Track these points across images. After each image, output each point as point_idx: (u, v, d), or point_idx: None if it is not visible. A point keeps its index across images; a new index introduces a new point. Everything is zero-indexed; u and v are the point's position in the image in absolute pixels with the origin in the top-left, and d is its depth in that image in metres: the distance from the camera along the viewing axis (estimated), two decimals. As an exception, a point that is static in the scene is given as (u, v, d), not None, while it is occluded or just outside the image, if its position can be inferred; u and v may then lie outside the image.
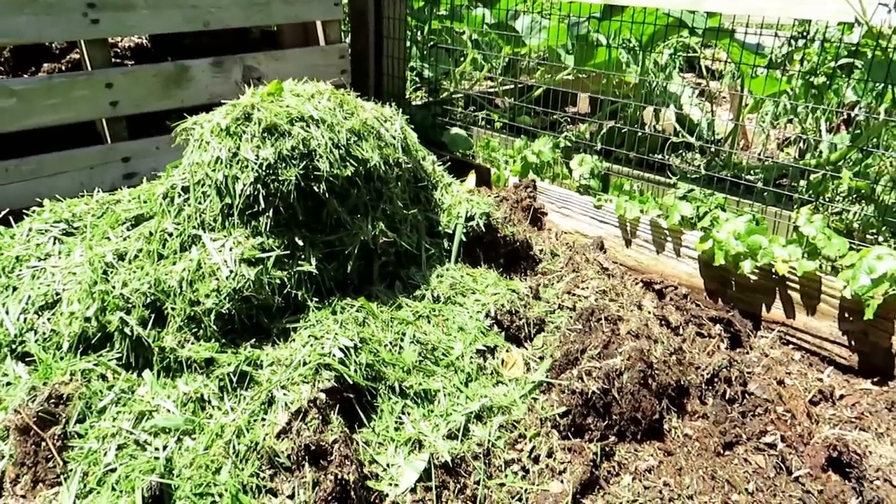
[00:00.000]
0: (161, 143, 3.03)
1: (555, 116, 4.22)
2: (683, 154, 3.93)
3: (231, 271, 1.69)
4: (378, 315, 1.88)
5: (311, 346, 1.73)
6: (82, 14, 2.71)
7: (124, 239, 1.84)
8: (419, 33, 5.27)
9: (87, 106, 2.82)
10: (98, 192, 2.20)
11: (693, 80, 5.33)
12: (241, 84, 3.15)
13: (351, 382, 1.71)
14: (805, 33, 3.24)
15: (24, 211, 2.22)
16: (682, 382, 2.06)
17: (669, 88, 4.01)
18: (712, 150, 3.68)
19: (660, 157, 3.61)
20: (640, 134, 3.33)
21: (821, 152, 3.29)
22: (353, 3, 3.82)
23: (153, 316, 1.74)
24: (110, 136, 2.94)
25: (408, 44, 4.58)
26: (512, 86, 4.59)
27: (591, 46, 4.03)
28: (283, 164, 1.74)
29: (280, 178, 1.73)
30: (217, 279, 1.69)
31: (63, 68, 4.20)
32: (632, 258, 3.07)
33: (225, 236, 1.75)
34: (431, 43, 5.11)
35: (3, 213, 2.43)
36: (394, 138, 2.01)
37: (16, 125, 2.67)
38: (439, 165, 2.35)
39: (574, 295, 2.23)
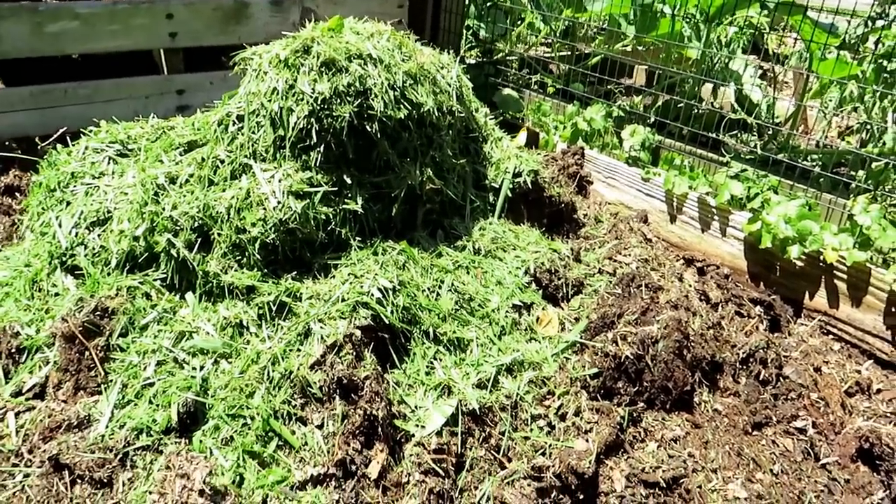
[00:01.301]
0: (215, 79, 3.05)
1: (609, 86, 4.13)
2: (739, 134, 3.82)
3: (279, 202, 1.70)
4: (418, 260, 1.88)
5: (351, 283, 1.75)
6: (148, -60, 2.72)
7: (176, 163, 1.87)
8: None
9: (147, 35, 2.84)
10: (152, 117, 2.23)
11: (758, 64, 5.16)
12: (298, 26, 3.14)
13: (387, 323, 1.72)
14: (884, 14, 3.09)
15: (82, 131, 2.26)
16: (717, 358, 2.03)
17: (731, 66, 3.89)
18: (770, 131, 3.57)
19: (714, 134, 3.52)
20: (696, 110, 3.24)
21: (884, 142, 3.17)
22: (415, -48, 3.77)
23: (199, 240, 1.77)
24: (167, 68, 2.97)
25: (466, 0, 4.51)
26: (568, 52, 4.50)
27: (653, 16, 3.91)
28: (338, 101, 1.73)
29: (334, 114, 1.73)
30: (264, 209, 1.71)
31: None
32: (675, 234, 3.02)
33: (275, 168, 1.76)
34: (490, 2, 5.02)
35: (61, 131, 2.48)
36: (449, 86, 1.99)
37: (77, 48, 2.72)
38: (491, 119, 2.32)
39: (615, 261, 2.20)
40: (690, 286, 2.25)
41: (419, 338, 1.79)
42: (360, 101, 1.75)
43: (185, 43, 2.93)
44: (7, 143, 2.75)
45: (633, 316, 1.90)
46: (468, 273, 1.96)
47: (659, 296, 1.99)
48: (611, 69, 3.68)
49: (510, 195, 2.16)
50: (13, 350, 1.79)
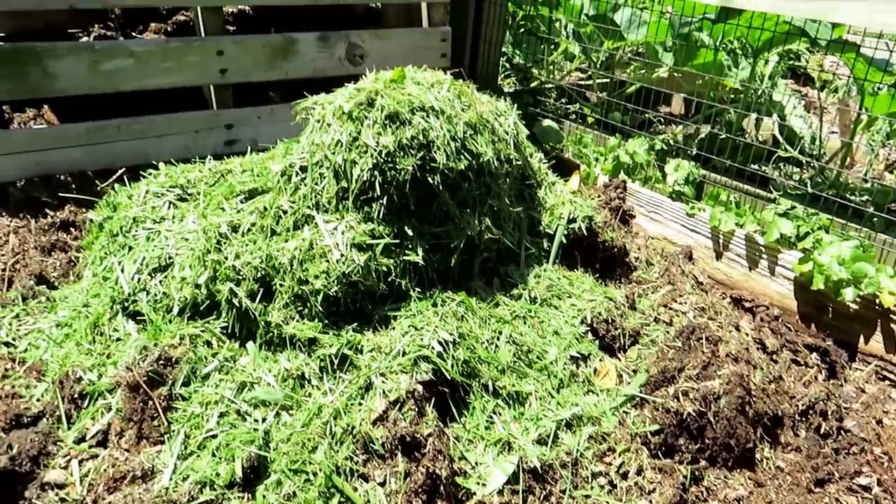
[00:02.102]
0: (262, 113, 3.08)
1: (647, 115, 4.10)
2: (783, 167, 3.77)
3: (342, 255, 1.70)
4: (477, 311, 1.86)
5: (411, 336, 1.73)
6: (202, -20, 2.75)
7: (238, 211, 1.87)
8: (511, 19, 5.18)
9: (199, 71, 2.87)
10: (209, 160, 2.25)
11: (793, 88, 5.10)
12: (345, 61, 3.16)
13: (447, 377, 1.71)
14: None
15: (142, 174, 2.28)
16: (778, 412, 1.99)
17: (774, 97, 3.84)
18: (816, 166, 3.51)
19: (760, 168, 3.47)
20: (740, 142, 3.20)
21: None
22: (456, -15, 3.78)
23: (261, 290, 1.77)
24: (216, 103, 3.00)
25: (504, 29, 4.51)
26: (605, 79, 4.48)
27: (692, 46, 3.88)
28: (402, 153, 1.73)
29: (397, 167, 1.72)
30: (327, 261, 1.71)
31: (169, 29, 4.30)
32: (721, 271, 2.97)
33: (338, 219, 1.75)
34: (525, 29, 5.02)
35: (120, 172, 2.51)
36: (507, 133, 1.98)
37: (132, 85, 2.75)
38: (544, 163, 2.30)
39: (671, 309, 2.17)
40: (748, 335, 2.21)
41: (478, 391, 1.77)
42: (423, 153, 1.75)
43: (234, 79, 2.95)
44: (62, 177, 2.79)
45: (694, 371, 1.86)
46: (525, 323, 1.94)
47: (719, 348, 1.95)
48: (647, 98, 3.65)
49: (564, 241, 2.14)
50: (76, 395, 1.80)
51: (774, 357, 2.27)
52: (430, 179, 1.76)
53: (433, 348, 1.71)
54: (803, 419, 2.10)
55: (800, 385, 2.20)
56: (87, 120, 2.72)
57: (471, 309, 1.86)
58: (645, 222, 3.24)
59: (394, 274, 1.79)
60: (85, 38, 4.34)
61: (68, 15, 4.20)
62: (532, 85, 4.65)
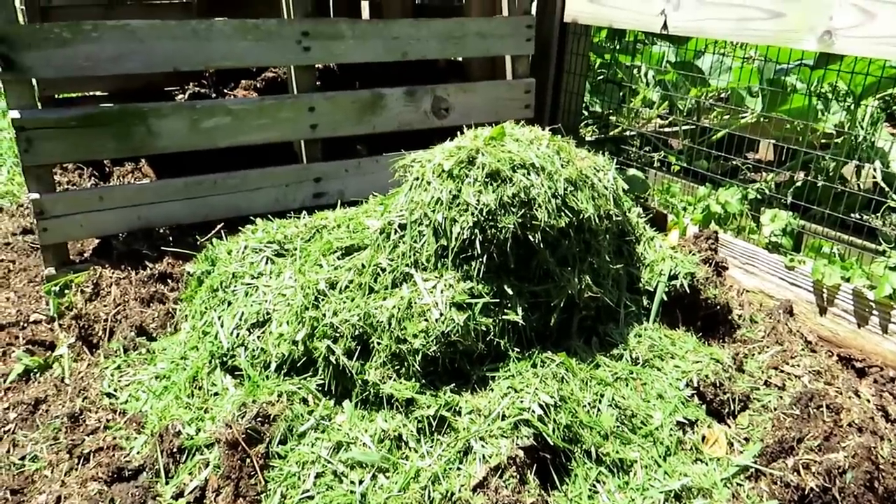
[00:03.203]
0: (349, 167, 3.13)
1: (735, 162, 3.97)
2: (889, 217, 3.56)
3: (441, 314, 1.67)
4: (577, 373, 1.80)
5: (511, 398, 1.68)
6: (296, 41, 2.85)
7: (336, 268, 1.88)
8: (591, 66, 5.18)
9: (291, 127, 2.96)
10: (304, 215, 2.28)
11: (891, 132, 4.87)
12: (430, 114, 3.20)
13: (549, 442, 1.64)
14: None
15: (240, 229, 2.34)
16: (909, 488, 1.82)
17: (876, 143, 3.66)
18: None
19: (864, 218, 3.29)
20: (841, 190, 3.05)
21: None
22: (537, 37, 3.80)
23: (359, 348, 1.76)
24: (306, 157, 3.07)
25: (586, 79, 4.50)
26: (689, 126, 4.39)
27: (782, 91, 3.76)
28: (503, 211, 1.71)
29: (498, 225, 1.70)
30: (426, 320, 1.68)
31: (258, 85, 4.49)
32: (825, 328, 2.80)
33: (437, 277, 1.73)
34: (603, 77, 5.00)
35: (218, 227, 2.58)
36: (606, 189, 1.93)
37: (228, 141, 2.85)
38: (643, 218, 2.24)
39: (782, 372, 2.04)
40: (869, 401, 2.05)
41: (580, 458, 1.69)
42: (524, 211, 1.72)
43: (324, 133, 3.03)
44: (161, 230, 2.90)
45: (815, 441, 1.73)
46: (627, 385, 1.86)
47: (841, 417, 1.81)
48: (730, 144, 3.53)
49: (665, 299, 2.06)
50: (174, 449, 1.82)
51: (897, 426, 2.09)
52: (530, 237, 1.72)
53: (534, 412, 1.65)
54: (935, 496, 1.91)
55: (929, 458, 2.02)
56: (181, 174, 2.83)
57: (571, 370, 1.80)
58: (739, 275, 3.09)
59: (492, 333, 1.75)
60: (181, 96, 4.58)
61: (167, 75, 4.45)
62: (612, 133, 4.61)
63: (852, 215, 3.22)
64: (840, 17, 2.65)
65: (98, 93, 4.49)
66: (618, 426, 1.76)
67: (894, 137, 4.54)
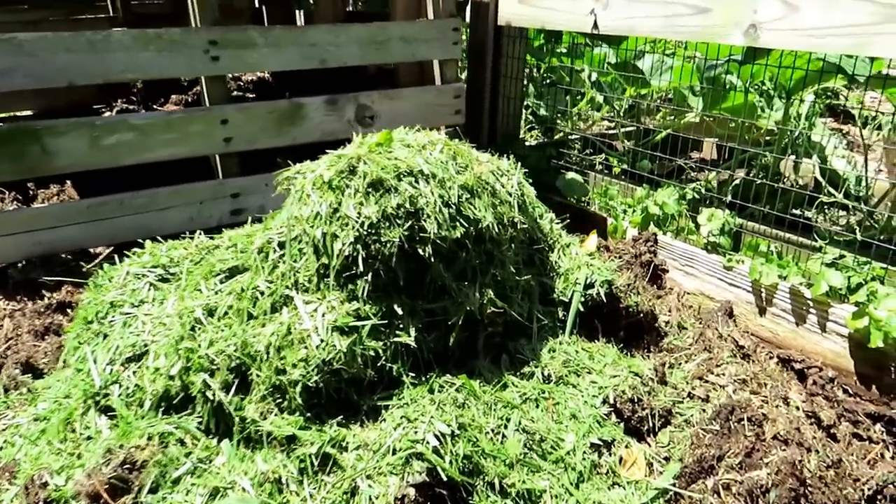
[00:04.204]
0: (269, 180, 2.92)
1: (678, 163, 3.85)
2: (826, 212, 3.45)
3: (322, 340, 1.49)
4: (480, 396, 1.62)
5: (404, 429, 1.50)
6: (203, 51, 2.66)
7: (216, 293, 1.69)
8: (535, 71, 5.05)
9: (203, 141, 2.76)
10: (199, 234, 2.09)
11: (832, 127, 4.79)
12: (354, 122, 3.02)
13: (445, 477, 1.46)
14: None
15: (126, 253, 2.14)
16: (840, 503, 1.66)
17: (813, 138, 3.55)
18: (864, 209, 3.19)
19: (803, 214, 3.17)
20: (778, 187, 2.92)
21: None
22: (472, 41, 3.65)
23: (237, 381, 1.57)
24: (221, 172, 2.88)
25: (524, 82, 4.35)
26: (631, 128, 4.26)
27: (721, 89, 3.64)
28: (387, 224, 1.53)
29: (382, 239, 1.52)
30: (306, 348, 1.49)
31: (189, 100, 4.28)
32: (765, 328, 2.66)
33: (319, 299, 1.55)
34: (550, 81, 4.87)
35: (109, 250, 2.37)
36: (510, 195, 1.76)
37: (133, 159, 2.65)
38: (557, 223, 2.07)
39: (707, 381, 1.88)
40: (798, 408, 1.90)
41: (483, 491, 1.51)
42: (410, 222, 1.54)
43: (239, 147, 2.83)
44: (64, 255, 2.68)
45: (736, 458, 1.57)
46: (538, 406, 1.68)
47: (765, 429, 1.66)
48: (674, 145, 3.40)
49: (582, 309, 1.89)
50: (40, 502, 1.61)
51: (832, 431, 1.94)
52: (420, 251, 1.55)
53: (428, 443, 1.47)
54: (871, 506, 1.76)
55: (864, 465, 1.87)
56: (110, 193, 2.63)
57: (473, 393, 1.62)
58: (680, 277, 2.95)
59: (383, 358, 1.56)
60: (108, 113, 4.36)
61: (92, 91, 4.23)
62: (556, 137, 4.46)
63: (792, 212, 3.10)
64: (764, 10, 2.53)
65: (21, 112, 4.26)
66: (525, 453, 1.59)
67: (837, 132, 4.46)
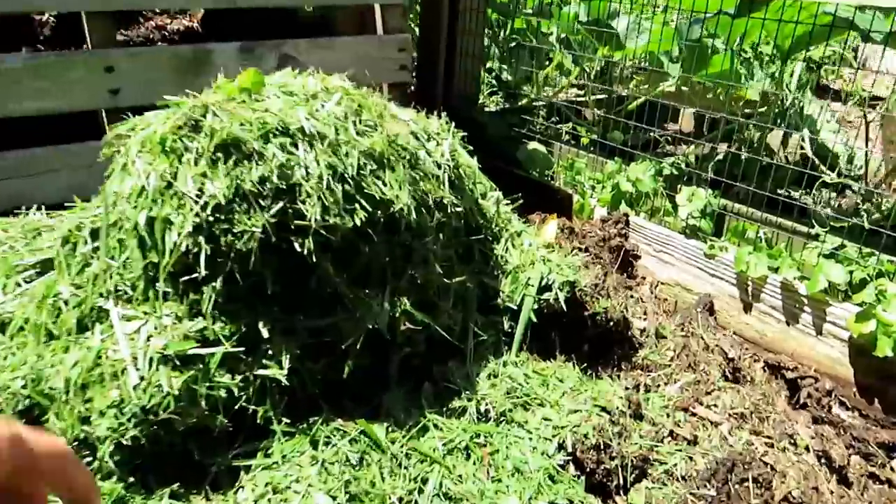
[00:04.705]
0: (174, 143, 2.37)
1: (653, 134, 3.35)
2: (816, 194, 2.99)
3: (142, 378, 0.97)
4: (387, 448, 1.12)
5: None
6: (81, -23, 2.07)
7: (16, 296, 1.15)
8: (501, 31, 4.50)
9: (83, 92, 2.18)
10: (34, 210, 1.53)
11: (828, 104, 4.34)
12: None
13: (325, 577, 0.96)
14: None
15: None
16: (868, 586, 1.22)
17: (805, 110, 3.09)
18: (862, 190, 2.75)
19: (796, 195, 2.71)
20: (769, 163, 2.45)
21: None
22: (426, -12, 3.09)
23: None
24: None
25: (486, 42, 3.81)
26: (602, 95, 3.75)
27: (704, 53, 3.14)
28: (244, 206, 1.00)
29: (236, 229, 1.00)
30: (119, 387, 0.97)
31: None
32: (751, 327, 2.20)
33: (146, 314, 1.03)
34: (513, 42, 4.32)
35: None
36: (438, 167, 1.24)
37: (-10, 112, 2.06)
38: (507, 205, 1.56)
39: (694, 415, 1.41)
40: (809, 449, 1.44)
41: (382, 590, 1.02)
42: (281, 204, 1.02)
43: (130, 101, 2.25)
44: None
45: (737, 540, 1.10)
46: (468, 458, 1.19)
47: (774, 493, 1.19)
48: (651, 114, 2.90)
49: (535, 319, 1.39)
50: None
51: (845, 473, 1.50)
52: (296, 245, 1.03)
53: None
54: (895, 575, 1.32)
55: (885, 518, 1.43)
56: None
57: (376, 445, 1.12)
58: (653, 264, 2.48)
59: (244, 397, 1.05)
60: None
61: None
62: (521, 103, 3.94)
63: (780, 192, 2.63)
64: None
65: None
66: (447, 528, 1.10)
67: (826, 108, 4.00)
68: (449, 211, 1.24)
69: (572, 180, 2.89)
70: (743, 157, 2.55)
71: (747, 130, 3.23)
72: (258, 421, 1.06)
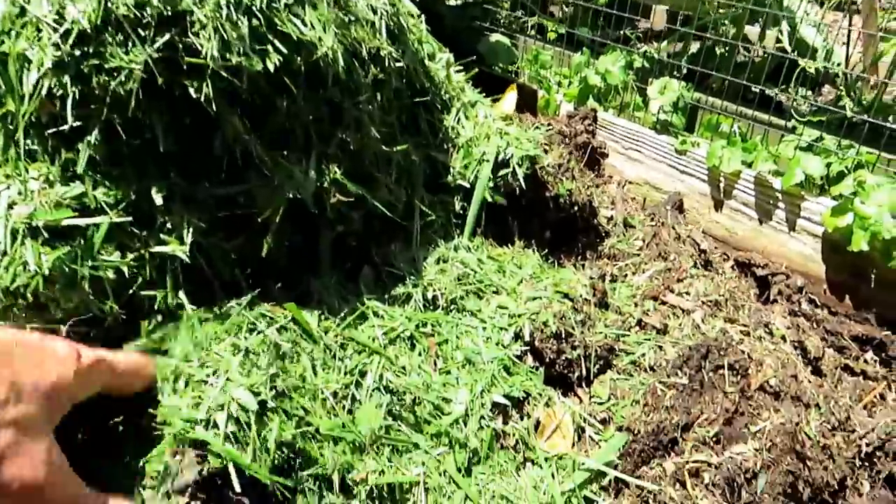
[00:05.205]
0: None
1: (624, 30, 3.13)
2: (791, 90, 2.84)
3: (4, 253, 0.78)
4: (319, 337, 0.96)
5: (178, 397, 0.84)
6: None
7: None
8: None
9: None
10: None
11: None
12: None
13: (246, 478, 0.82)
14: None
15: None
16: (844, 476, 1.13)
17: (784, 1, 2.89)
18: (840, 83, 2.60)
19: (772, 89, 2.55)
20: (744, 56, 2.27)
21: None
22: None
23: None
24: None
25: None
26: (572, -12, 3.48)
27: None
28: (120, 37, 0.79)
29: (109, 66, 0.79)
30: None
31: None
32: (721, 226, 2.09)
33: (7, 176, 0.83)
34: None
35: None
36: (374, 11, 1.04)
37: None
38: (458, 72, 1.36)
39: (665, 303, 1.28)
40: (785, 338, 1.33)
41: (313, 493, 0.89)
42: (168, 36, 0.80)
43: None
44: None
45: (711, 429, 0.99)
46: (413, 348, 1.05)
47: (750, 380, 1.08)
48: (622, 7, 2.67)
49: (490, 199, 1.23)
50: None
51: (819, 365, 1.40)
52: (192, 91, 0.83)
53: (215, 425, 0.82)
54: (867, 464, 1.25)
55: (859, 409, 1.35)
56: None
57: (307, 333, 0.96)
58: (621, 163, 2.33)
59: (140, 278, 0.87)
60: None
61: None
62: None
63: (756, 87, 2.47)
64: None
65: None
66: (390, 424, 0.96)
67: None
68: (387, 65, 1.04)
69: (537, 75, 2.68)
70: (712, 50, 2.37)
71: (722, 25, 3.03)
72: (158, 307, 0.89)
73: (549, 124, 2.21)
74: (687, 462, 0.96)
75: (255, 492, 0.85)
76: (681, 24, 3.20)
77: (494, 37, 2.81)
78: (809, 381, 1.19)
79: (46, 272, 0.78)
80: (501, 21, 3.02)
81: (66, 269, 0.79)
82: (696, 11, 2.67)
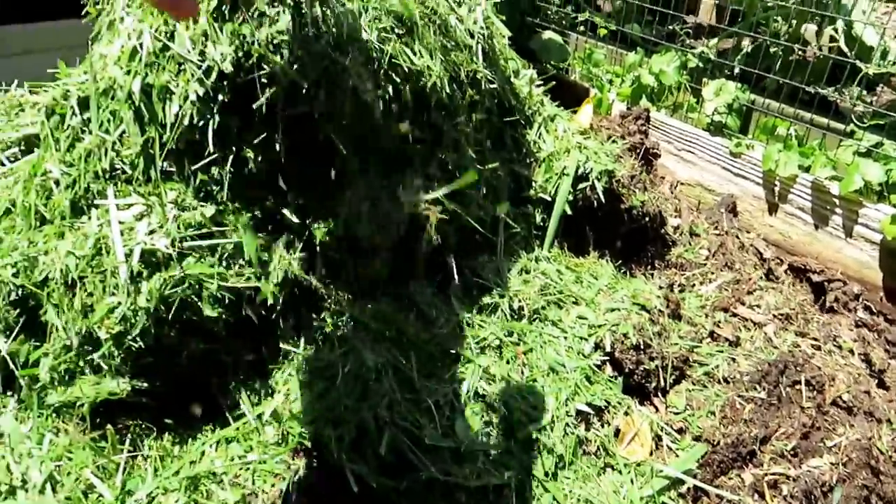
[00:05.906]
0: None
1: (674, 26, 3.12)
2: (850, 90, 2.81)
3: (131, 272, 0.85)
4: (408, 347, 1.03)
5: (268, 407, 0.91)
6: None
7: (3, 177, 1.02)
8: None
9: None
10: (14, 86, 1.36)
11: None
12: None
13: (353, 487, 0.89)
14: None
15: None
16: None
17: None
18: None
19: (831, 91, 2.53)
20: (801, 57, 2.27)
21: None
22: None
23: (22, 320, 0.94)
24: None
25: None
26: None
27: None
28: (258, 70, 0.85)
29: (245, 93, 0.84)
30: (119, 286, 0.86)
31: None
32: (775, 229, 2.11)
33: (147, 195, 0.90)
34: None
35: None
36: (471, 36, 1.08)
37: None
38: (539, 86, 1.40)
39: (735, 315, 1.33)
40: (853, 352, 1.36)
41: (417, 493, 0.96)
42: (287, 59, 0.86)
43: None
44: None
45: (788, 442, 1.04)
46: (501, 356, 1.11)
47: (825, 395, 1.12)
48: (666, 3, 2.66)
49: (569, 211, 1.28)
50: None
51: (883, 378, 1.44)
52: (323, 128, 0.88)
53: (329, 437, 0.89)
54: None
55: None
56: None
57: (408, 339, 1.02)
58: (673, 164, 2.35)
59: (264, 301, 0.94)
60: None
61: None
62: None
63: (811, 88, 2.46)
64: None
65: None
66: (479, 433, 1.03)
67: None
68: (482, 89, 1.09)
69: (588, 73, 2.70)
70: (773, 50, 2.36)
71: (774, 22, 3.01)
72: (277, 319, 0.96)
73: (603, 125, 2.24)
74: (766, 474, 1.01)
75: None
76: (730, 21, 3.18)
77: (546, 34, 2.83)
78: (878, 395, 1.23)
79: (184, 290, 0.85)
80: (552, 16, 3.03)
81: (201, 286, 0.86)
82: (745, 6, 2.65)
